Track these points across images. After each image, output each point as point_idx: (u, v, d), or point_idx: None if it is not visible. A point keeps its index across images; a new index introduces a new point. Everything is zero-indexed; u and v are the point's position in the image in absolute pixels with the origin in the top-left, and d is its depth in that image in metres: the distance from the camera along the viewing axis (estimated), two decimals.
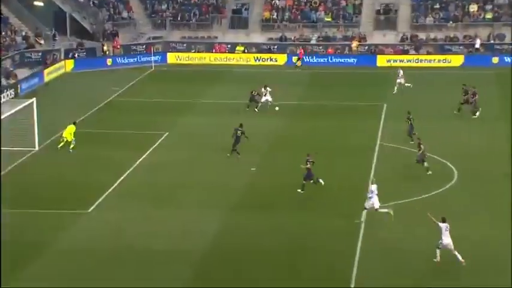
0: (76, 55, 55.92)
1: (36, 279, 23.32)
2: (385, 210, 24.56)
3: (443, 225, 24.08)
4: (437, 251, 24.13)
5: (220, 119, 41.50)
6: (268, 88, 42.92)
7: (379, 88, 47.85)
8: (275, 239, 26.11)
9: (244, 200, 29.80)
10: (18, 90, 47.18)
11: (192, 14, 61.90)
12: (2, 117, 33.50)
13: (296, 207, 28.73)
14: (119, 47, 57.89)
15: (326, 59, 57.43)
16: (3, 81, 48.48)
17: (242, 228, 27.05)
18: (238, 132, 34.69)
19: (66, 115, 41.07)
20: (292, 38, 60.20)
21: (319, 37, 59.98)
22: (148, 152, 35.81)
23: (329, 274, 23.71)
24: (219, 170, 33.32)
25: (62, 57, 55.21)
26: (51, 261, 24.44)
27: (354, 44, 58.01)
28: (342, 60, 57.24)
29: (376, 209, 26.01)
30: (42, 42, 55.48)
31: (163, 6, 62.19)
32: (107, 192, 30.45)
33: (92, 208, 28.95)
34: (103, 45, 57.46)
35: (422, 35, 59.53)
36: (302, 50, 57.24)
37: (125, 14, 61.45)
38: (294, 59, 56.56)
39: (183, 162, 34.56)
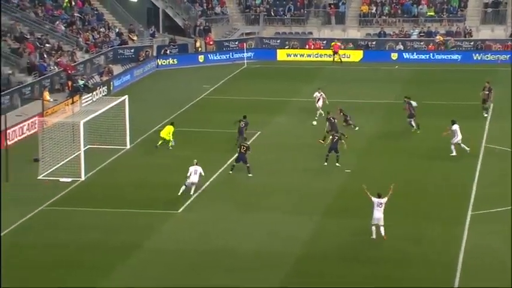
0: (168, 51, 57.20)
1: (126, 280, 23.99)
2: None
3: (375, 201, 25.61)
4: (372, 228, 25.80)
5: (314, 119, 41.47)
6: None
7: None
8: (371, 247, 25.94)
9: (338, 204, 29.74)
10: (111, 88, 48.73)
11: (286, 9, 62.17)
12: (96, 114, 34.62)
13: (393, 212, 28.37)
14: (211, 43, 58.81)
15: (427, 56, 56.45)
16: (97, 78, 50.20)
17: (335, 234, 27.02)
18: (242, 123, 35.82)
19: (157, 113, 42.12)
20: (391, 34, 59.49)
21: (420, 32, 59.00)
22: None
23: (429, 285, 23.34)
24: (311, 172, 33.37)
25: (155, 53, 56.61)
26: (141, 261, 25.12)
27: (439, 38, 56.77)
28: (445, 56, 56.13)
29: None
30: (135, 38, 57.07)
31: (257, 1, 62.74)
32: (196, 193, 31.03)
33: (181, 209, 29.58)
34: (195, 41, 58.54)
35: None
36: (337, 44, 56.37)
37: (218, 10, 62.37)
38: (330, 52, 55.97)
39: (275, 163, 34.79)
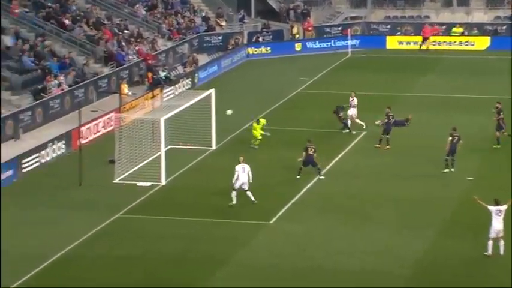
0: (260, 39, 57.81)
1: None
2: None
3: (493, 209, 24.76)
4: (489, 242, 24.90)
5: (430, 117, 41.18)
6: None
7: None
8: (492, 266, 25.58)
9: (456, 219, 29.45)
10: (196, 80, 49.67)
11: None
12: (178, 110, 35.29)
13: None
14: (310, 29, 59.05)
15: None
16: (180, 69, 51.22)
17: (452, 254, 26.75)
18: (390, 118, 36.99)
19: (247, 109, 42.64)
20: None
21: None
22: (340, 155, 36.33)
23: None
24: (426, 179, 33.14)
25: (245, 41, 57.32)
26: (229, 277, 25.51)
27: None
28: None
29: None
30: (223, 24, 57.90)
31: None
32: (291, 202, 31.31)
33: (274, 219, 29.92)
34: (292, 27, 58.90)
35: None
36: (428, 28, 55.11)
37: None
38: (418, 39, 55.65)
39: (382, 169, 34.74)
